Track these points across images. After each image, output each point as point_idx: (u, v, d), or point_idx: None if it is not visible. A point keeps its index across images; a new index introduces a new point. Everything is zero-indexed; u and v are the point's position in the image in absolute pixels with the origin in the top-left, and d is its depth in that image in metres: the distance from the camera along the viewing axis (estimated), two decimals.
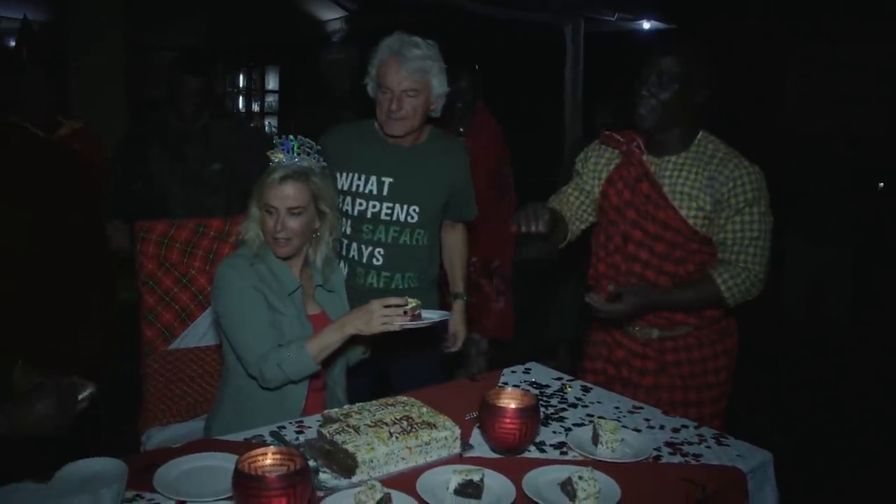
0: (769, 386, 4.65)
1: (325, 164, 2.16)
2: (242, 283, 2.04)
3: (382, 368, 2.65)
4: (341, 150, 2.49)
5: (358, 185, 2.47)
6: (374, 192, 2.45)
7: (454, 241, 2.73)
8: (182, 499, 1.50)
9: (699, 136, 2.27)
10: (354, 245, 2.50)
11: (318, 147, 2.13)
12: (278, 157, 2.07)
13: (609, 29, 7.40)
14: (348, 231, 2.51)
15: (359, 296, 2.47)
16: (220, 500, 1.48)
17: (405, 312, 1.98)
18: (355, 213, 2.48)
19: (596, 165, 2.45)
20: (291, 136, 2.08)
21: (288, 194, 2.04)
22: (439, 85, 2.39)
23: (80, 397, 1.55)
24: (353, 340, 2.12)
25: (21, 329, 2.79)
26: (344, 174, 2.48)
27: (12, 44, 6.40)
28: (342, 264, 2.53)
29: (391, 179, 2.45)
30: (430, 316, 2.08)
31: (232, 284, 2.04)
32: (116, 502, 1.45)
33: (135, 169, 3.29)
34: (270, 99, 11.00)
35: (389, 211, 2.46)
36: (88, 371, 2.75)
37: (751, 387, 4.40)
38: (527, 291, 4.90)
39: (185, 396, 2.42)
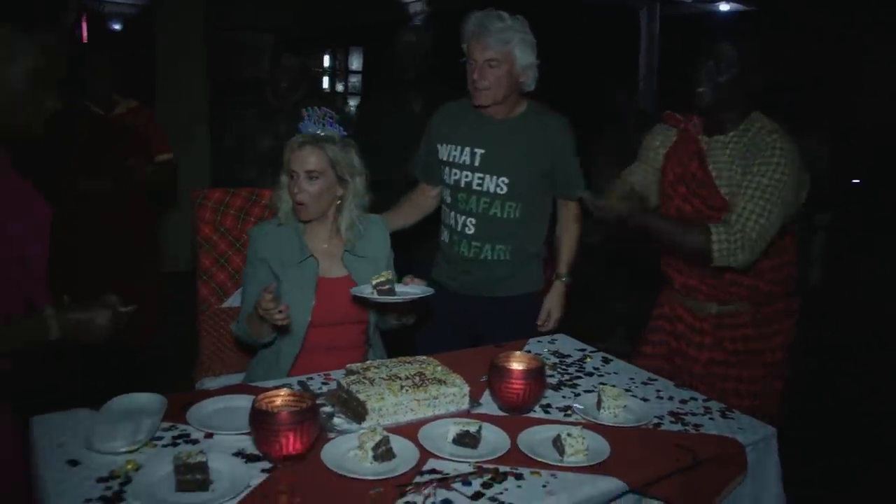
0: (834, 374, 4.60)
1: (345, 133, 2.31)
2: (253, 251, 2.30)
3: (478, 334, 2.75)
4: (443, 124, 2.69)
5: (454, 156, 2.63)
6: (468, 162, 2.60)
7: (563, 219, 2.79)
8: (210, 430, 1.70)
9: (751, 115, 2.34)
10: (452, 213, 2.68)
11: (339, 117, 2.28)
12: (306, 129, 2.24)
13: (686, 11, 7.31)
14: (448, 200, 2.70)
15: (454, 264, 2.67)
16: (242, 433, 1.67)
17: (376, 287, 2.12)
18: (452, 182, 2.65)
19: (659, 143, 2.56)
20: (314, 107, 2.25)
21: (305, 158, 2.22)
22: (523, 56, 2.50)
23: (124, 310, 1.74)
24: (385, 312, 2.32)
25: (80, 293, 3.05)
26: (444, 146, 2.66)
27: (116, 27, 6.88)
28: (445, 232, 2.71)
29: (483, 151, 2.58)
30: (411, 291, 2.19)
31: (249, 249, 2.33)
32: (153, 431, 1.66)
33: (233, 139, 3.56)
34: (354, 80, 11.20)
35: (480, 181, 2.59)
36: (143, 330, 3.05)
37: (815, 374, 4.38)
38: (587, 275, 4.96)
39: (235, 350, 2.62)
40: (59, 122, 1.70)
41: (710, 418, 1.95)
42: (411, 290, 2.20)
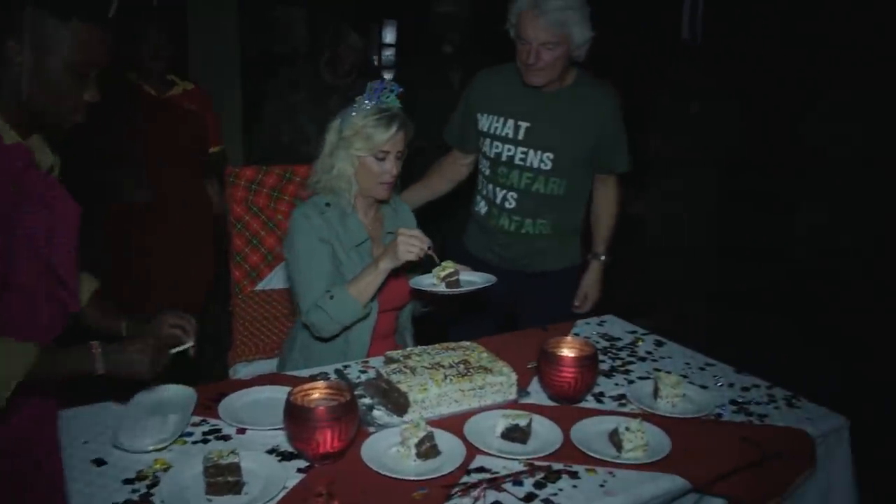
0: None
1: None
2: (310, 233, 2.06)
3: (514, 310, 2.65)
4: (484, 93, 2.53)
5: (496, 128, 2.48)
6: (510, 135, 2.45)
7: (603, 196, 2.65)
8: (242, 426, 1.60)
9: None
10: (490, 186, 2.54)
11: (401, 89, 2.09)
12: (370, 102, 2.06)
13: None
14: (487, 172, 2.55)
15: (492, 236, 2.55)
16: (276, 429, 1.57)
17: (440, 277, 1.95)
18: (492, 155, 2.50)
19: None
20: (386, 80, 2.09)
21: (399, 139, 2.06)
22: (580, 34, 2.31)
23: (175, 350, 1.65)
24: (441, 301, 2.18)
25: (129, 277, 2.96)
26: (485, 116, 2.51)
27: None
28: (482, 203, 2.59)
29: (528, 124, 2.43)
30: (473, 279, 2.03)
31: (301, 232, 2.07)
32: (183, 426, 1.57)
33: (280, 116, 3.45)
34: (388, 53, 11.06)
35: (523, 156, 2.45)
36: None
37: None
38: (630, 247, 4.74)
39: (269, 335, 2.53)
40: (110, 103, 1.59)
41: (776, 407, 1.83)
42: (472, 277, 2.04)
